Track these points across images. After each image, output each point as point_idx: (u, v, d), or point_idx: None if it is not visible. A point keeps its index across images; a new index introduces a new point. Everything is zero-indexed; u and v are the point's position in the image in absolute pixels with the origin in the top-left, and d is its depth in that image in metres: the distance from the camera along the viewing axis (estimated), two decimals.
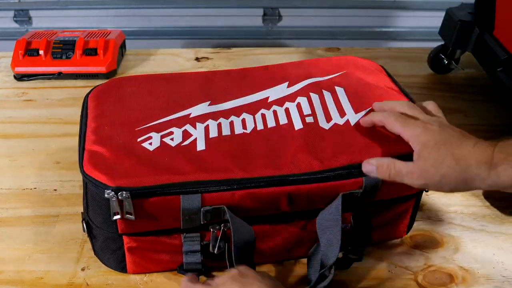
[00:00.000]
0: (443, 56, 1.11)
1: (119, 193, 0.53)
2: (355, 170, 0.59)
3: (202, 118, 0.66)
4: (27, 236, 0.69)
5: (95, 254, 0.65)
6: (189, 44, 1.60)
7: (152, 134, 0.63)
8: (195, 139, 0.62)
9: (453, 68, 1.12)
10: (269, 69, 0.79)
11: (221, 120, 0.66)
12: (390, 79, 0.75)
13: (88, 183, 0.57)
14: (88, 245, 0.67)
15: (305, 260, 0.63)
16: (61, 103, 1.02)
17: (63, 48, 1.11)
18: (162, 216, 0.58)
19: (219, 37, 1.62)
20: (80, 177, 0.67)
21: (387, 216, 0.66)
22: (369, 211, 0.63)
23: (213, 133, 0.63)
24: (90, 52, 1.10)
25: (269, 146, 0.62)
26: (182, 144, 0.61)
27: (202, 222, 0.58)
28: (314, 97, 0.70)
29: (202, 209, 0.56)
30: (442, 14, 1.09)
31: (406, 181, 0.55)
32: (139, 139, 0.61)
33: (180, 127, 0.64)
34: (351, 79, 0.74)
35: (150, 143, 0.61)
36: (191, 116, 0.67)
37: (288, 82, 0.74)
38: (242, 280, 0.52)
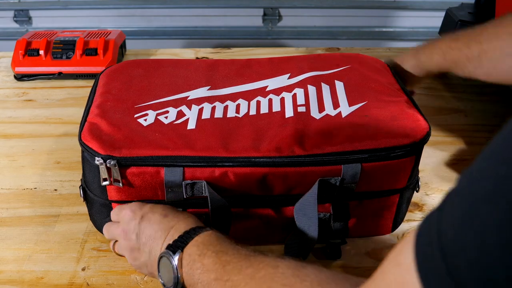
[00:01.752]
0: None
1: (107, 161, 0.58)
2: (335, 157, 0.59)
3: (199, 101, 0.70)
4: (27, 236, 0.69)
5: (90, 219, 0.69)
6: (189, 44, 1.61)
7: (149, 111, 0.67)
8: (187, 119, 0.66)
9: None
10: (273, 61, 0.81)
11: (217, 103, 0.69)
12: (394, 77, 0.75)
13: (84, 151, 0.61)
14: (89, 245, 0.67)
15: (281, 248, 0.64)
16: (61, 103, 1.02)
17: (63, 48, 1.11)
18: (148, 186, 0.61)
19: (219, 37, 1.63)
20: (79, 177, 0.67)
21: (368, 210, 0.66)
22: (348, 203, 0.64)
23: (206, 115, 0.66)
24: (90, 52, 1.10)
25: (256, 130, 0.64)
26: (174, 123, 0.65)
27: (185, 196, 0.60)
28: (311, 89, 0.72)
29: (183, 183, 0.59)
30: (442, 14, 1.09)
31: None
32: (136, 115, 0.66)
33: (176, 107, 0.68)
34: (353, 74, 0.75)
35: (145, 119, 0.65)
36: (189, 98, 0.70)
37: (289, 74, 0.76)
38: (138, 213, 0.57)
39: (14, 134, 0.91)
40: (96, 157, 0.58)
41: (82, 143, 0.61)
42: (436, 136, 0.90)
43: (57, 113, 0.97)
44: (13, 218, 0.72)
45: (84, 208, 0.70)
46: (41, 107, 1.00)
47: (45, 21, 1.55)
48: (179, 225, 0.54)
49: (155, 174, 0.59)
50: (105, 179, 0.59)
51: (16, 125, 0.94)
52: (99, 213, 0.66)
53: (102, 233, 0.68)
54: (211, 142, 0.61)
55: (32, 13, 1.53)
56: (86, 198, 0.67)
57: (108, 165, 0.58)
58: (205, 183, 0.59)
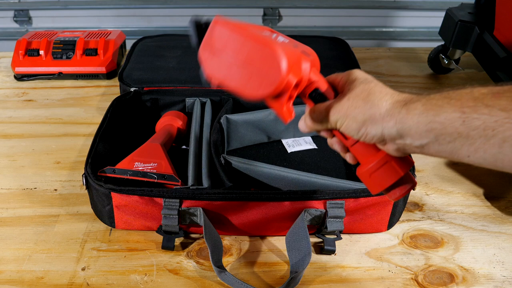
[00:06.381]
0: (443, 56, 1.11)
1: None
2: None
3: None
4: (27, 236, 0.69)
5: (92, 208, 0.72)
6: None
7: None
8: None
9: (453, 68, 1.12)
10: None
11: None
12: None
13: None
14: (88, 245, 0.67)
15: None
16: (61, 103, 1.02)
17: (63, 48, 1.11)
18: None
19: None
20: (79, 177, 0.67)
21: (364, 207, 0.67)
22: (344, 200, 0.65)
23: None
24: (90, 52, 1.10)
25: None
26: None
27: None
28: None
29: None
30: (442, 14, 1.09)
31: (330, 116, 0.50)
32: None
33: None
34: None
35: None
36: None
37: None
38: None
39: (14, 134, 0.91)
40: None
41: None
42: None
43: (57, 113, 0.97)
44: (13, 218, 0.72)
45: (84, 208, 0.70)
46: (41, 107, 1.00)
47: (45, 21, 1.55)
48: None
49: None
50: None
51: (16, 125, 0.94)
52: (99, 203, 0.68)
53: (100, 220, 0.70)
54: None
55: (32, 13, 1.53)
56: (88, 186, 0.68)
57: None
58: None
